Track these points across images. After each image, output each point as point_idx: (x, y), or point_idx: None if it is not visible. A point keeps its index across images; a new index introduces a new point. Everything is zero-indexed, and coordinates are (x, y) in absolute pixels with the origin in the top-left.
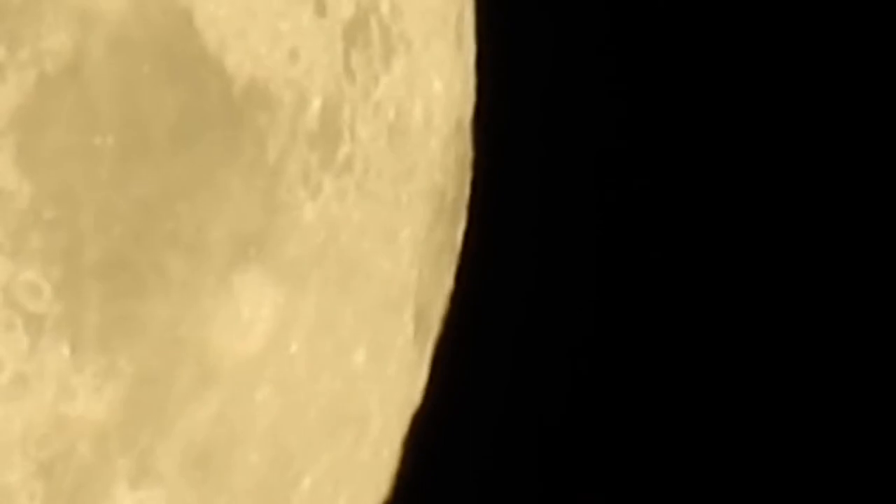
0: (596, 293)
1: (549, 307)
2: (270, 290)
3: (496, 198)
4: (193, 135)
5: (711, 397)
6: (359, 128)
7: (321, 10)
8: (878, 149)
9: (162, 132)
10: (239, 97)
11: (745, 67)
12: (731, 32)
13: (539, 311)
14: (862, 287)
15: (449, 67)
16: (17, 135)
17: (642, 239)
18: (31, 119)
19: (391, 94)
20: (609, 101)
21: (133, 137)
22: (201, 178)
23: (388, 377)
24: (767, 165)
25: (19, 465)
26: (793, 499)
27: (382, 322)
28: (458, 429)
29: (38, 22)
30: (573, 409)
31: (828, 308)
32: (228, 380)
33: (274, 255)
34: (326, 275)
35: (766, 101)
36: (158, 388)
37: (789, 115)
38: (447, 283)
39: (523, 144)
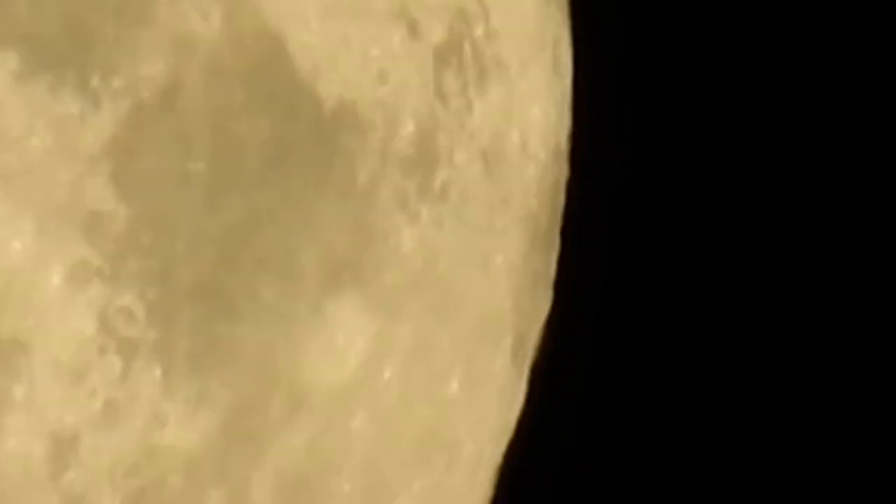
0: (694, 308)
1: (642, 326)
2: (365, 317)
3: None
4: (284, 160)
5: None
6: (455, 153)
7: (413, 33)
8: (884, 151)
9: (254, 158)
10: (329, 120)
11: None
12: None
13: (632, 331)
14: (863, 288)
15: (546, 93)
16: (113, 160)
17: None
18: (126, 145)
19: (487, 119)
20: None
21: (225, 163)
22: (292, 203)
23: (483, 404)
24: (790, 170)
25: (108, 496)
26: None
27: (478, 350)
28: (550, 455)
29: (133, 50)
30: (670, 432)
31: (829, 309)
32: (322, 407)
33: (369, 281)
34: (422, 302)
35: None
36: (251, 416)
37: (811, 118)
38: (543, 309)
39: (609, 169)
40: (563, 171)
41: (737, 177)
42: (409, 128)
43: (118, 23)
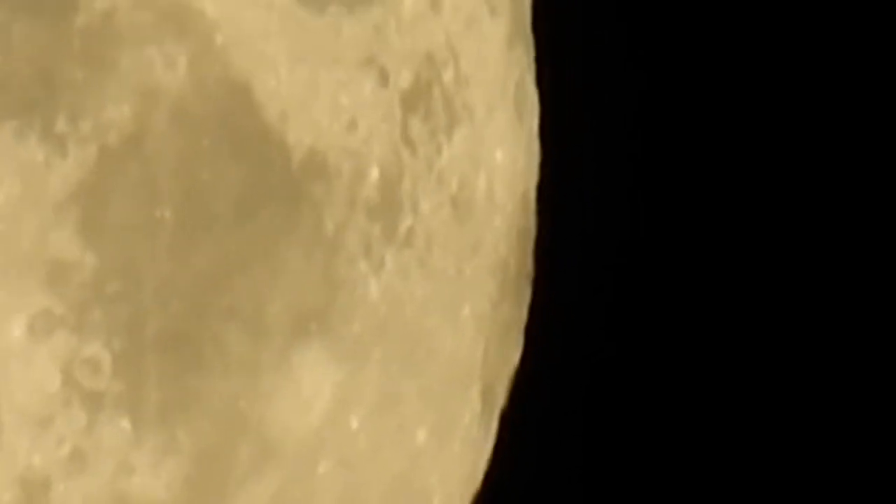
0: (664, 355)
1: (612, 372)
2: (332, 367)
3: (564, 268)
4: (253, 208)
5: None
6: (421, 200)
7: (383, 80)
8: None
9: (221, 206)
10: (297, 169)
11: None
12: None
13: (603, 377)
14: (865, 290)
15: (511, 138)
16: (79, 207)
17: (698, 298)
18: (92, 192)
19: (454, 165)
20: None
21: (193, 211)
22: (260, 252)
23: (452, 454)
24: (793, 170)
25: None
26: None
27: (447, 399)
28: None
29: (100, 95)
30: (641, 480)
31: (830, 310)
32: (289, 457)
33: (335, 330)
34: (389, 351)
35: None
36: (218, 465)
37: (814, 118)
38: (513, 358)
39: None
40: (531, 217)
41: (710, 216)
42: (375, 175)
43: (84, 68)
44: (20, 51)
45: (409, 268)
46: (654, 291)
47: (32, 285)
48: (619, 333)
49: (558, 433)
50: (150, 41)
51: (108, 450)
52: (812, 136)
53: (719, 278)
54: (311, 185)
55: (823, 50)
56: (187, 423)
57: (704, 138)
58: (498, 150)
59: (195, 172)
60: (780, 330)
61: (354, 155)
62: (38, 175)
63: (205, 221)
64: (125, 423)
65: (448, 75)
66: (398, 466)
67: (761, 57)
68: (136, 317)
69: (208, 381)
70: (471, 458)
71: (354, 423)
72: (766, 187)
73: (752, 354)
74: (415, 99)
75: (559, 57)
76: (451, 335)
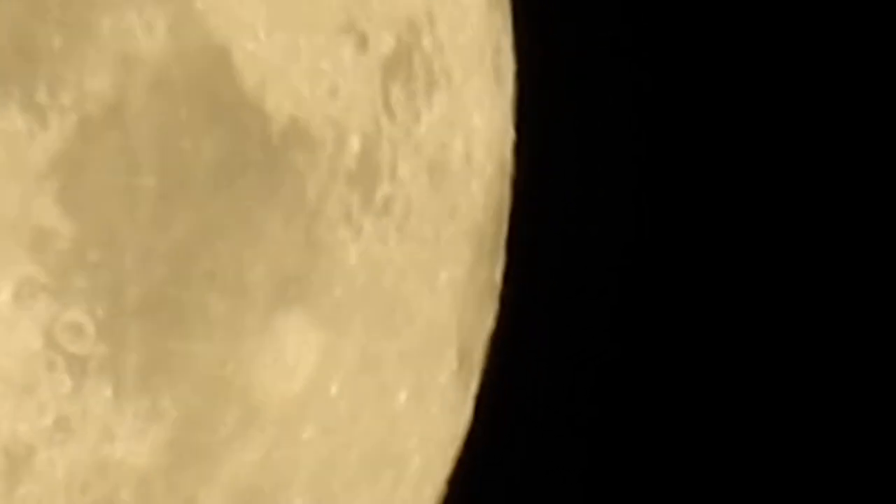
0: (637, 322)
1: (588, 337)
2: (313, 331)
3: (532, 230)
4: (232, 175)
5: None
6: (399, 167)
7: (362, 45)
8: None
9: (201, 173)
10: (278, 137)
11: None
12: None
13: (579, 342)
14: (863, 291)
15: (488, 103)
16: (59, 176)
17: (678, 275)
18: (73, 161)
19: (432, 131)
20: (647, 135)
21: (173, 179)
22: (240, 219)
23: (431, 417)
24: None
25: None
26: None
27: (425, 362)
28: (498, 466)
29: (80, 65)
30: (619, 442)
31: (829, 309)
32: (272, 422)
33: (316, 296)
34: (368, 316)
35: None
36: (201, 431)
37: (816, 117)
38: (489, 322)
39: (557, 176)
40: (507, 182)
41: (691, 183)
42: (356, 142)
43: (62, 35)
44: None
45: (387, 234)
46: (634, 259)
47: (17, 253)
48: (598, 303)
49: (537, 403)
50: (130, 6)
51: (91, 416)
52: (809, 135)
53: (713, 272)
54: (293, 153)
55: (813, 50)
56: (170, 388)
57: (705, 136)
58: (476, 115)
59: (175, 140)
60: (769, 328)
61: (335, 123)
62: (19, 144)
63: (185, 189)
64: (108, 389)
65: (427, 41)
66: (378, 430)
67: (757, 43)
68: (117, 283)
69: (190, 346)
70: (449, 421)
71: (335, 388)
72: (762, 180)
73: (744, 349)
74: (394, 65)
75: (537, 24)
76: (428, 299)
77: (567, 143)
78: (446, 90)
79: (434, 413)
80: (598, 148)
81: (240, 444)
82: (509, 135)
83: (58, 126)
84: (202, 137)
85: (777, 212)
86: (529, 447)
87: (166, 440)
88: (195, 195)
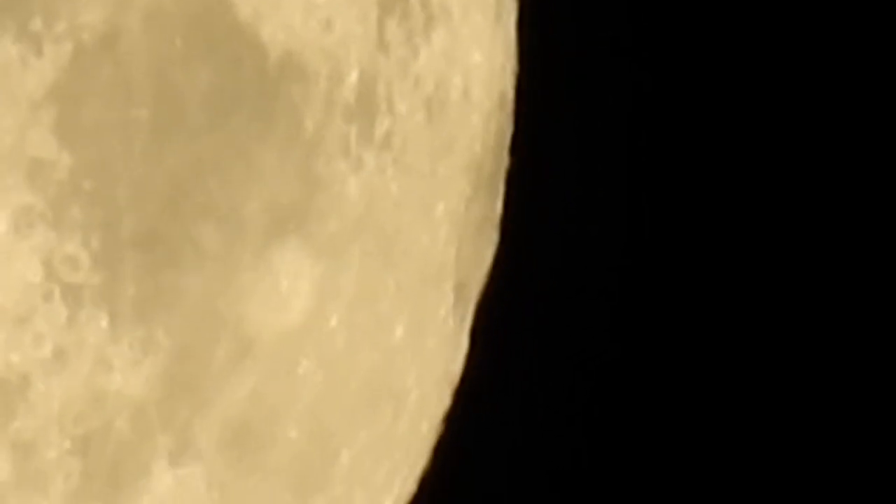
0: (639, 260)
1: (590, 276)
2: (309, 264)
3: (534, 172)
4: (227, 108)
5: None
6: (396, 101)
7: None
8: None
9: (196, 105)
10: (273, 70)
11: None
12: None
13: (580, 280)
14: (859, 292)
15: (489, 39)
16: (55, 107)
17: (674, 223)
18: (68, 91)
19: (430, 66)
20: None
21: (167, 111)
22: (235, 152)
23: (428, 351)
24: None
25: (56, 443)
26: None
27: (422, 296)
28: (495, 405)
29: None
30: (611, 388)
31: (830, 310)
32: (267, 354)
33: (312, 228)
34: (365, 249)
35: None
36: (196, 363)
37: (817, 117)
38: (487, 256)
39: (558, 117)
40: (507, 118)
41: (690, 182)
42: (353, 77)
43: None
44: None
45: (384, 167)
46: (633, 201)
47: (13, 182)
48: (597, 240)
49: (535, 341)
50: None
51: (87, 346)
52: (809, 135)
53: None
54: (288, 86)
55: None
56: (165, 319)
57: (704, 136)
58: (475, 51)
59: (169, 73)
60: (768, 328)
61: (331, 57)
62: (14, 73)
63: (179, 121)
64: (104, 320)
65: None
66: (375, 364)
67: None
68: (112, 214)
69: (185, 279)
70: (446, 354)
71: (332, 321)
72: (761, 180)
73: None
74: (391, 1)
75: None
76: (425, 232)
77: (566, 141)
78: (444, 26)
79: (431, 347)
80: (596, 147)
81: (234, 376)
82: (510, 71)
83: (52, 56)
84: (197, 70)
85: (777, 212)
86: (527, 385)
87: (161, 371)
88: (189, 128)
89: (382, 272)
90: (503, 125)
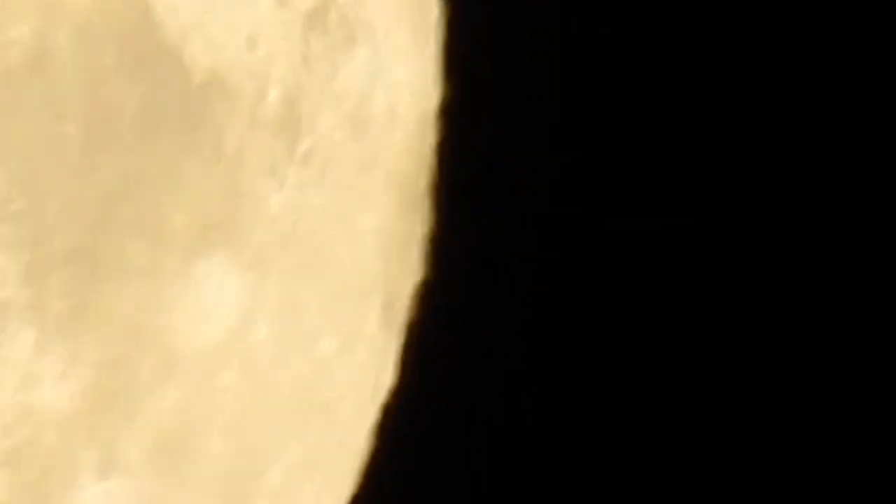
0: (569, 273)
1: (519, 289)
2: (234, 278)
3: (467, 186)
4: (154, 125)
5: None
6: (319, 118)
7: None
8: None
9: (124, 123)
10: (198, 87)
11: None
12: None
13: (509, 293)
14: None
15: (412, 57)
16: None
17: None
18: None
19: (353, 83)
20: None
21: (96, 128)
22: (162, 168)
23: (357, 365)
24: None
25: None
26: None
27: (349, 309)
28: (431, 417)
29: (1, 13)
30: (547, 400)
31: (828, 309)
32: (191, 367)
33: (238, 242)
34: (290, 263)
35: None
36: (122, 376)
37: (818, 117)
38: (416, 271)
39: (498, 133)
40: (432, 134)
41: (622, 136)
42: (276, 94)
43: None
44: None
45: (308, 182)
46: (567, 213)
47: None
48: (525, 254)
49: (465, 354)
50: None
51: (13, 362)
52: (809, 135)
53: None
54: (213, 103)
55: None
56: (92, 333)
57: (705, 136)
58: (398, 68)
59: (98, 90)
60: (767, 328)
61: (255, 75)
62: None
63: (108, 138)
64: (30, 334)
65: None
66: (303, 377)
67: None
68: (42, 230)
69: (112, 294)
70: (375, 369)
71: (258, 334)
72: (760, 179)
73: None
74: (314, 17)
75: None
76: (350, 246)
77: (499, 96)
78: (368, 43)
79: (360, 361)
80: (535, 102)
81: (160, 389)
82: (435, 88)
83: None
84: (124, 87)
85: (777, 212)
86: (455, 398)
87: (88, 384)
88: (118, 144)
89: (308, 285)
90: (428, 141)
